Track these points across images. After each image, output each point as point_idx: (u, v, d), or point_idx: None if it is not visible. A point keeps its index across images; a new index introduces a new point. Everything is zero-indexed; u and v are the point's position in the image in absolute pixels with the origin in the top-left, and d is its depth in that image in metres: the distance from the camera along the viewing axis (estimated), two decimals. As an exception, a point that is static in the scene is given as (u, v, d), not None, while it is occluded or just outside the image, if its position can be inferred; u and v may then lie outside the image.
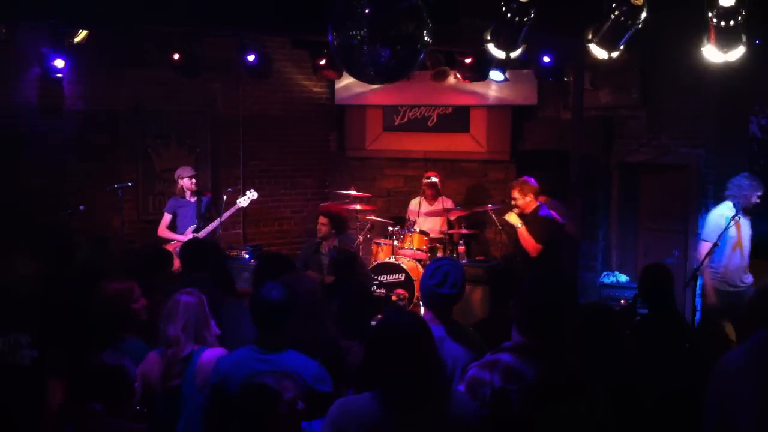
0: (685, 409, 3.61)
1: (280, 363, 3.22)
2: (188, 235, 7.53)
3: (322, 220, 6.93)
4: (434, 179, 8.59)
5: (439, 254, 8.10)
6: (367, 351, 2.75)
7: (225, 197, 7.88)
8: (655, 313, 4.59)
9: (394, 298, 7.74)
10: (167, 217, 7.75)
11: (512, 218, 6.91)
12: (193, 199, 7.75)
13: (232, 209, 8.01)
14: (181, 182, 7.74)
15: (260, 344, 3.35)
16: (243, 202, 7.95)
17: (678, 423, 3.63)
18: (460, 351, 3.39)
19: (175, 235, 7.62)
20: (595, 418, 2.78)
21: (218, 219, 7.74)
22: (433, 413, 2.58)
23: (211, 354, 3.60)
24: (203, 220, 7.75)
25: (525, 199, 6.87)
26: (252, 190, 8.05)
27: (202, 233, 7.60)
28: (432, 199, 8.66)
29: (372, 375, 2.65)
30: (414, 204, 8.82)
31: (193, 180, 7.73)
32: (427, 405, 2.57)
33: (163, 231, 7.69)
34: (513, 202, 6.95)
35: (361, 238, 8.39)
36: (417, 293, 7.80)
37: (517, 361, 2.78)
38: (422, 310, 4.15)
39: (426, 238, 8.16)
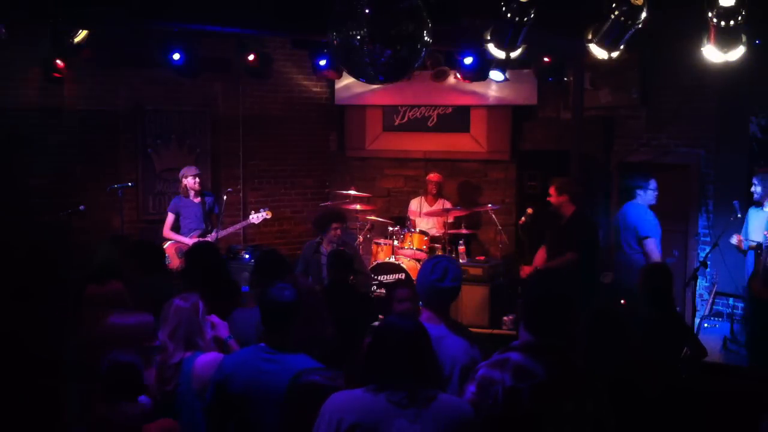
0: (683, 408, 3.61)
1: (289, 364, 3.23)
2: (193, 240, 7.50)
3: (336, 225, 6.85)
4: (438, 175, 8.69)
5: (438, 254, 8.10)
6: (368, 352, 2.80)
7: (225, 197, 7.88)
8: (653, 312, 4.58)
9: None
10: (171, 217, 7.67)
11: (526, 270, 6.64)
12: (197, 200, 7.70)
13: (242, 223, 8.05)
14: (185, 181, 7.67)
15: (269, 344, 3.36)
16: (254, 219, 7.87)
17: (677, 422, 3.63)
18: (459, 350, 3.41)
19: (180, 237, 7.59)
20: (598, 414, 2.81)
21: (225, 229, 7.74)
22: (425, 412, 2.65)
23: (206, 359, 3.59)
24: (207, 222, 7.73)
25: (559, 198, 6.54)
26: (266, 209, 7.97)
27: (209, 238, 7.57)
28: (433, 199, 8.69)
29: (371, 373, 2.72)
30: (415, 204, 8.83)
31: (197, 179, 7.67)
32: (420, 404, 2.65)
33: (167, 232, 7.62)
34: (548, 199, 6.66)
35: (361, 238, 8.39)
36: (417, 293, 7.80)
37: (527, 359, 2.82)
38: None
39: (426, 238, 8.16)
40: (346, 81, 9.48)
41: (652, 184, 6.83)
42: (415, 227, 8.39)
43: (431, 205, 8.67)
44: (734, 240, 6.39)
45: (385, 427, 2.61)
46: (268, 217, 7.93)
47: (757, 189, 6.33)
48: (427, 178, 8.74)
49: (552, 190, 6.62)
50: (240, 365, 3.33)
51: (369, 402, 2.65)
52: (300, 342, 3.44)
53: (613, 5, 4.94)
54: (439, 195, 8.71)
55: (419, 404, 2.64)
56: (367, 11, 4.26)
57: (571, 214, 6.56)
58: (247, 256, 8.03)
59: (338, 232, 6.71)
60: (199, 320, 3.70)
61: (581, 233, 6.46)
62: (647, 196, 6.84)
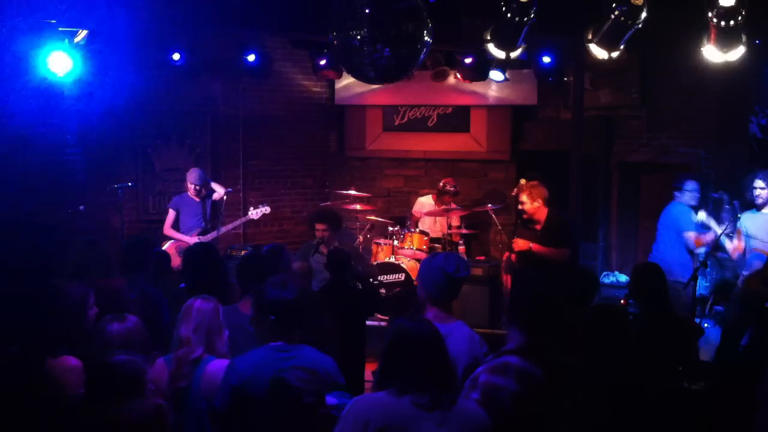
0: (683, 409, 3.61)
1: (302, 357, 3.30)
2: (194, 238, 7.52)
3: (320, 226, 6.78)
4: (455, 187, 8.42)
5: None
6: (385, 356, 2.85)
7: (225, 197, 7.88)
8: (646, 312, 4.56)
9: (393, 298, 7.73)
10: (171, 215, 7.73)
11: (520, 243, 6.36)
12: (198, 199, 7.75)
13: (242, 219, 8.07)
14: (187, 183, 7.78)
15: (285, 343, 3.39)
16: (254, 214, 7.90)
17: (678, 422, 3.63)
18: (462, 349, 3.41)
19: (181, 235, 7.61)
20: (587, 408, 2.84)
21: (225, 226, 7.75)
22: (449, 415, 2.70)
23: (218, 365, 3.57)
24: (207, 220, 7.74)
25: (533, 204, 6.34)
26: (265, 204, 7.98)
27: (208, 237, 7.58)
28: (444, 204, 8.56)
29: (393, 376, 2.77)
30: (426, 204, 8.61)
31: (195, 186, 7.71)
32: (444, 407, 2.70)
33: (168, 230, 7.66)
34: (520, 207, 6.48)
35: (361, 238, 8.39)
36: (417, 293, 7.79)
37: (525, 362, 2.83)
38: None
39: (426, 238, 8.15)
40: (346, 81, 9.48)
41: (689, 185, 6.71)
42: (416, 226, 8.36)
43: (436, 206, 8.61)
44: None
45: (413, 429, 2.66)
46: (267, 212, 7.94)
47: (762, 193, 6.02)
48: (448, 188, 8.34)
49: (525, 197, 6.37)
50: (259, 367, 3.29)
51: (394, 405, 2.70)
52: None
53: (613, 5, 4.95)
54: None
55: (443, 407, 2.69)
56: (367, 11, 4.27)
57: (546, 217, 6.37)
58: (247, 257, 8.01)
59: (325, 233, 6.58)
60: (220, 322, 3.72)
61: (567, 231, 6.40)
62: (684, 197, 6.71)
